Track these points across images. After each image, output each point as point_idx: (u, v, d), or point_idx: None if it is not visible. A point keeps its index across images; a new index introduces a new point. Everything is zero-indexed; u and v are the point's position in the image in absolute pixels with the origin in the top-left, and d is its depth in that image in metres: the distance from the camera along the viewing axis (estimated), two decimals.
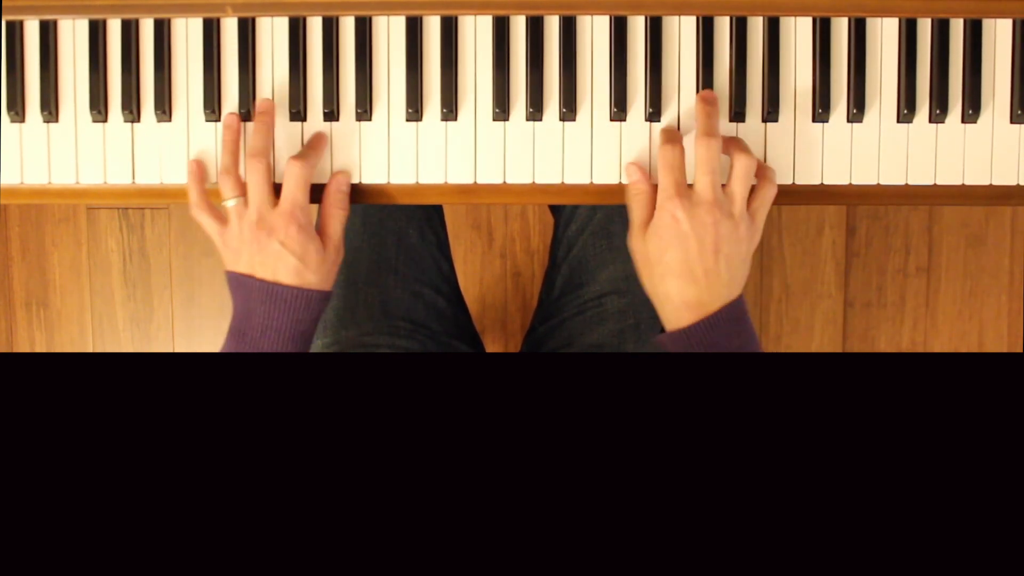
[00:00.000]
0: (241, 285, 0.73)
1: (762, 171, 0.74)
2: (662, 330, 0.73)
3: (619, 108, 0.76)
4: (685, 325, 0.70)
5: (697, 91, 0.76)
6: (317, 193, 0.76)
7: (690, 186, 0.71)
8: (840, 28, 0.76)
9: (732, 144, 0.73)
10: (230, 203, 0.73)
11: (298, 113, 0.76)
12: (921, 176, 0.77)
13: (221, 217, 0.74)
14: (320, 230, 0.74)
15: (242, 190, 0.73)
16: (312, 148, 0.75)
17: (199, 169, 0.76)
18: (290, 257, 0.71)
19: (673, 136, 0.73)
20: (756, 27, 0.76)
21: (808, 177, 0.77)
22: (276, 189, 0.74)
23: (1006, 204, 0.79)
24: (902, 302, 1.52)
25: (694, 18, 0.76)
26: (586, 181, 0.77)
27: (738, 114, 0.76)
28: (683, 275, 0.70)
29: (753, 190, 0.73)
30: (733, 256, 0.70)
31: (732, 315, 0.70)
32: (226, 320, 0.75)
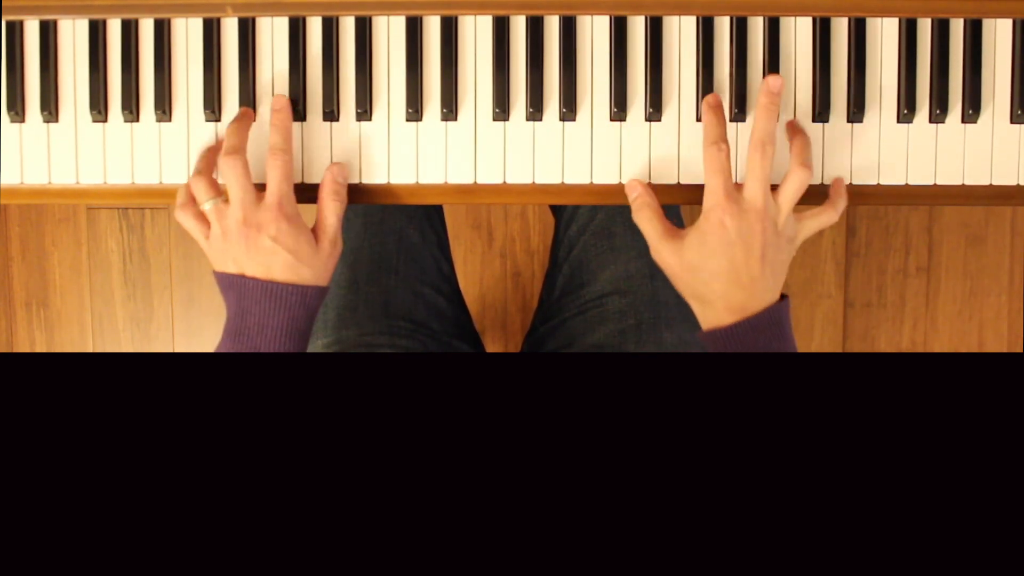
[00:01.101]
0: (233, 285, 0.72)
1: (833, 195, 0.74)
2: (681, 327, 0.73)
3: (619, 108, 0.76)
4: (727, 324, 0.70)
5: (697, 91, 0.76)
6: (308, 193, 0.76)
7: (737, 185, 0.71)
8: (840, 28, 0.76)
9: (796, 150, 0.72)
10: (207, 206, 0.72)
11: (298, 113, 0.76)
12: (921, 176, 0.77)
13: (204, 220, 0.73)
14: (316, 223, 0.74)
15: (217, 191, 0.72)
16: (284, 138, 0.73)
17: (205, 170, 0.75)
18: (283, 252, 0.70)
19: (718, 134, 0.71)
20: (756, 27, 0.76)
21: None
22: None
23: (1006, 204, 0.79)
24: (902, 302, 1.52)
25: (694, 18, 0.76)
26: (586, 181, 0.77)
27: (738, 114, 0.76)
28: (730, 281, 0.69)
29: (815, 212, 0.73)
30: (776, 264, 0.70)
31: (775, 318, 0.70)
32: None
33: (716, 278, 0.70)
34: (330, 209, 0.74)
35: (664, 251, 0.72)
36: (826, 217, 0.74)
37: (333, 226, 0.73)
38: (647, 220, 0.73)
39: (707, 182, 0.71)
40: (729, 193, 0.70)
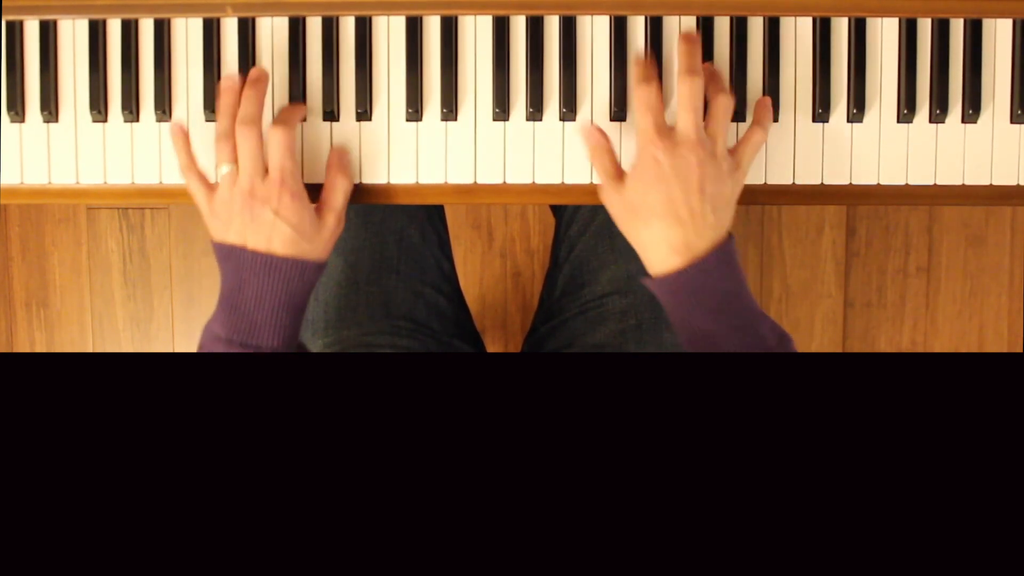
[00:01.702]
0: (231, 256, 0.71)
1: (757, 116, 0.74)
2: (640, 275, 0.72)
3: (619, 108, 0.76)
4: (675, 268, 0.69)
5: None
6: (309, 192, 0.76)
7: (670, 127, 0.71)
8: (840, 28, 0.76)
9: (710, 83, 0.73)
10: (223, 169, 0.71)
11: None
12: (921, 176, 0.77)
13: (210, 184, 0.73)
14: (321, 198, 0.74)
15: (235, 158, 0.71)
16: (290, 114, 0.74)
17: (182, 131, 0.74)
18: (285, 226, 0.70)
19: (648, 74, 0.72)
20: (756, 27, 0.76)
21: (808, 177, 0.77)
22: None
23: (1006, 204, 0.79)
24: (902, 302, 1.52)
25: (694, 18, 0.76)
26: (586, 181, 0.77)
27: (738, 114, 0.76)
28: (668, 216, 0.69)
29: (746, 135, 0.73)
30: (717, 196, 0.69)
31: (722, 258, 0.69)
32: None
33: (655, 215, 0.69)
34: (338, 184, 0.74)
35: (609, 192, 0.72)
36: (757, 137, 0.73)
37: (338, 203, 0.73)
38: (601, 162, 0.73)
39: (638, 121, 0.71)
40: (660, 128, 0.69)
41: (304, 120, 0.76)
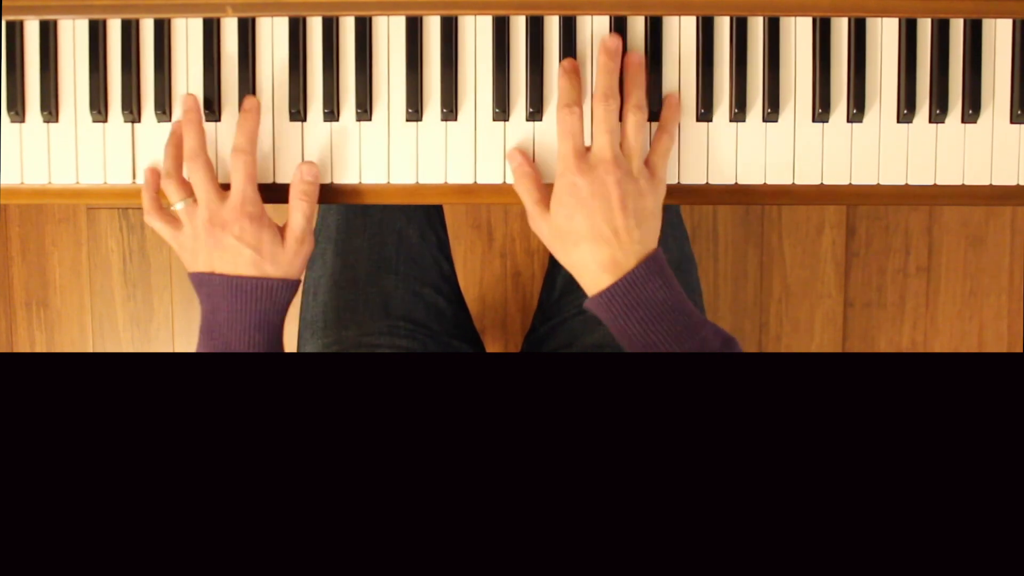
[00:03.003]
0: (204, 283, 0.74)
1: (662, 119, 0.75)
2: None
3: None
4: (606, 287, 0.70)
5: (697, 91, 0.76)
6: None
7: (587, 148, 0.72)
8: (840, 28, 0.76)
9: (626, 98, 0.73)
10: (179, 205, 0.74)
11: (298, 113, 0.76)
12: (921, 176, 0.77)
13: (174, 221, 0.75)
14: (285, 222, 0.75)
15: (188, 191, 0.74)
16: (246, 138, 0.74)
17: (153, 177, 0.76)
18: (246, 249, 0.72)
19: (570, 97, 0.73)
20: (756, 27, 0.76)
21: (808, 177, 0.77)
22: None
23: (1006, 204, 0.79)
24: (902, 302, 1.52)
25: (694, 18, 0.76)
26: None
27: (738, 114, 0.76)
28: (594, 238, 0.70)
29: (653, 143, 0.74)
30: (640, 211, 0.71)
31: (652, 268, 0.70)
32: None
33: (582, 239, 0.70)
34: (296, 208, 0.75)
35: (537, 219, 0.73)
36: (663, 143, 0.74)
37: (300, 225, 0.75)
38: (525, 189, 0.74)
39: (559, 146, 0.72)
40: (578, 153, 0.71)
41: (304, 121, 0.76)
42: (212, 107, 0.76)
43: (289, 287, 0.75)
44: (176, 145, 0.75)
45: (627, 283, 0.70)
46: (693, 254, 0.97)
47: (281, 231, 0.75)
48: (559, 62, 0.76)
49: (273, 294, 0.74)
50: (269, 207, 0.75)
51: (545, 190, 0.74)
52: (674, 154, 0.76)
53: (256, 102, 0.76)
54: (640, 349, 0.70)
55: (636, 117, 0.72)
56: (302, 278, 0.78)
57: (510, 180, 0.77)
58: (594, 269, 0.71)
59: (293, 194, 0.75)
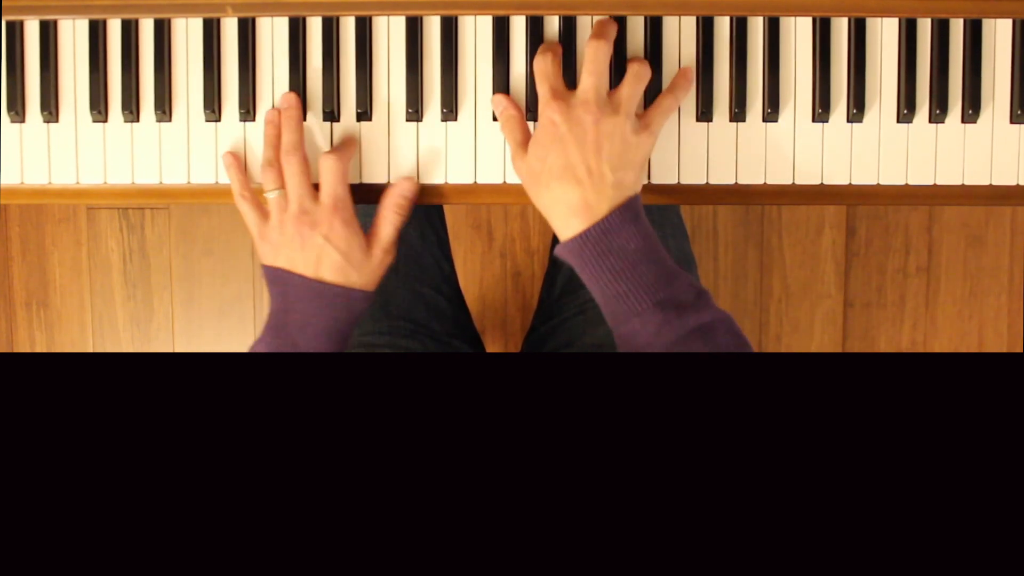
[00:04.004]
0: (280, 280, 0.72)
1: (672, 83, 0.74)
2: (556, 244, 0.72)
3: None
4: (578, 232, 0.68)
5: (697, 91, 0.76)
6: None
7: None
8: (840, 28, 0.76)
9: (632, 59, 0.73)
10: (272, 195, 0.73)
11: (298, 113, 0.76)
12: (921, 176, 0.77)
13: (263, 210, 0.74)
14: (372, 230, 0.74)
15: (282, 182, 0.73)
16: (345, 145, 0.75)
17: (237, 160, 0.76)
18: (334, 252, 0.71)
19: (543, 48, 0.73)
20: (756, 27, 0.76)
21: (808, 177, 0.77)
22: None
23: (1006, 204, 0.79)
24: (902, 302, 1.52)
25: (694, 18, 0.76)
26: None
27: (738, 114, 0.76)
28: (565, 177, 0.68)
29: (656, 99, 0.73)
30: (617, 156, 0.69)
31: (625, 216, 0.68)
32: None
33: (553, 177, 0.69)
34: (388, 220, 0.74)
35: (517, 161, 0.73)
36: (667, 103, 0.73)
37: (389, 236, 0.74)
38: (509, 130, 0.74)
39: (537, 88, 0.72)
40: (555, 92, 0.70)
41: (303, 121, 0.76)
42: (212, 107, 0.76)
43: (367, 298, 0.74)
44: (275, 135, 0.74)
45: (599, 230, 0.68)
46: (693, 254, 0.97)
47: (367, 240, 0.74)
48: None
49: (351, 304, 0.72)
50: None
51: (529, 135, 0.73)
52: (674, 154, 0.76)
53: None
54: (611, 300, 0.68)
55: (637, 66, 0.71)
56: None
57: (510, 180, 0.77)
58: (564, 211, 0.69)
59: (387, 206, 0.74)
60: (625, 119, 0.69)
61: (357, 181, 0.77)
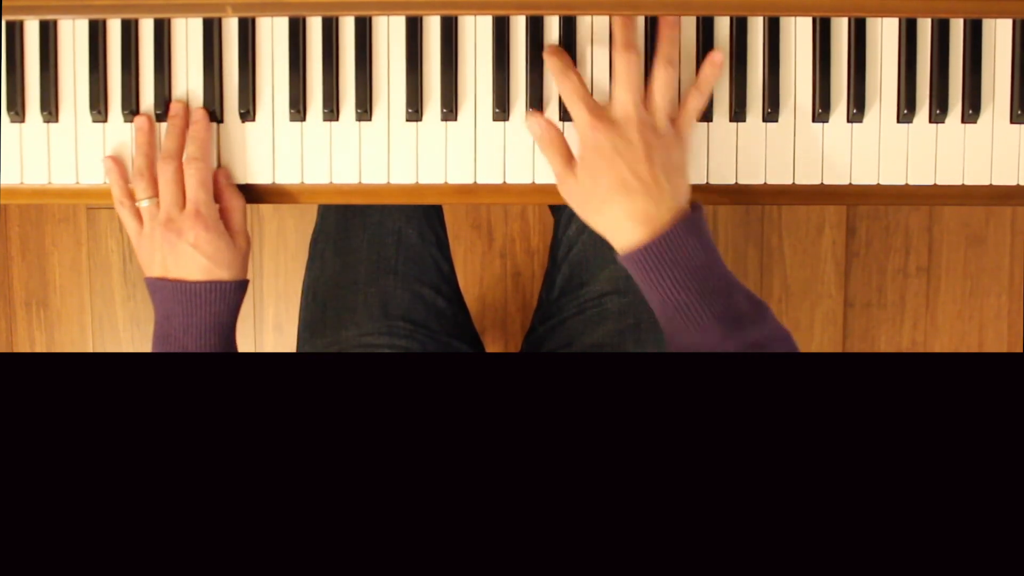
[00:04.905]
0: (158, 289, 0.74)
1: (698, 80, 0.74)
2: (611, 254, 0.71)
3: None
4: (641, 241, 0.68)
5: None
6: (308, 194, 0.76)
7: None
8: (840, 28, 0.76)
9: (657, 51, 0.72)
10: (144, 203, 0.74)
11: (298, 113, 0.76)
12: (921, 176, 0.77)
13: (140, 217, 0.75)
14: (228, 225, 0.75)
15: (155, 191, 0.74)
16: (199, 146, 0.75)
17: (118, 164, 0.76)
18: (200, 258, 0.73)
19: (563, 64, 0.72)
20: (756, 27, 0.76)
21: (808, 177, 0.77)
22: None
23: (1006, 204, 0.79)
24: (902, 302, 1.52)
25: (694, 18, 0.76)
26: None
27: (738, 114, 0.76)
28: (621, 191, 0.68)
29: (682, 101, 0.73)
30: (667, 164, 0.69)
31: (690, 229, 0.68)
32: None
33: (610, 196, 0.69)
34: (236, 210, 0.76)
35: (566, 183, 0.72)
36: (693, 103, 0.73)
37: (241, 224, 0.76)
38: (551, 154, 0.73)
39: (572, 112, 0.71)
40: (594, 111, 0.70)
41: (303, 121, 0.76)
42: (213, 108, 0.76)
43: (240, 287, 0.76)
44: (148, 143, 0.75)
45: (663, 242, 0.68)
46: None
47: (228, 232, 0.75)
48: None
49: (225, 295, 0.74)
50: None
51: (571, 153, 0.73)
52: None
53: (202, 112, 0.76)
54: (671, 311, 0.68)
55: (665, 74, 0.70)
56: (250, 277, 0.78)
57: (510, 180, 0.77)
58: (626, 223, 0.68)
59: (226, 195, 0.75)
60: (665, 129, 0.70)
61: (357, 181, 0.77)
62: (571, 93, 0.71)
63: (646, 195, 0.68)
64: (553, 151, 0.73)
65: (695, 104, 0.73)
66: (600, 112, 0.70)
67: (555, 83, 0.73)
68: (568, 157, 0.72)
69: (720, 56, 0.74)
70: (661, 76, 0.71)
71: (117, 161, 0.76)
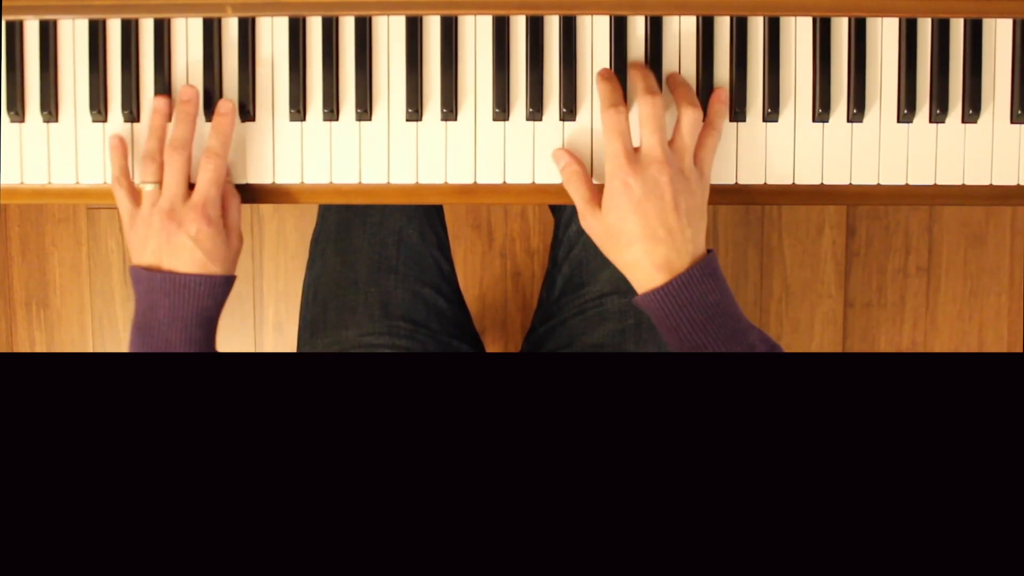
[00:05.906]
0: (145, 279, 0.73)
1: (709, 115, 0.75)
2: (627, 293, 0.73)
3: None
4: (659, 285, 0.70)
5: (697, 91, 0.76)
6: (307, 194, 0.76)
7: (636, 148, 0.71)
8: (840, 28, 0.76)
9: (679, 95, 0.73)
10: (147, 187, 0.74)
11: (298, 113, 0.76)
12: (921, 176, 0.77)
13: (137, 198, 0.75)
14: (226, 222, 0.75)
15: (160, 177, 0.74)
16: (221, 141, 0.75)
17: (122, 144, 0.76)
18: (198, 252, 0.72)
19: (615, 98, 0.72)
20: (756, 27, 0.76)
21: (808, 177, 0.77)
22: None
23: (1006, 204, 0.79)
24: (902, 302, 1.52)
25: (694, 18, 0.76)
26: None
27: (738, 114, 0.76)
28: (648, 239, 0.70)
29: (700, 139, 0.73)
30: (692, 211, 0.71)
31: (706, 271, 0.70)
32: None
33: (635, 239, 0.70)
34: (233, 205, 0.76)
35: (589, 218, 0.73)
36: (711, 140, 0.74)
37: (238, 222, 0.76)
38: (575, 189, 0.74)
39: (607, 146, 0.71)
40: (628, 154, 0.70)
41: (303, 121, 0.76)
42: (212, 107, 0.76)
43: (229, 282, 0.76)
44: (161, 126, 0.75)
45: (680, 283, 0.70)
46: None
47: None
48: (559, 62, 0.76)
49: (215, 290, 0.74)
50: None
51: (595, 188, 0.73)
52: None
53: (231, 105, 0.75)
54: (688, 349, 0.70)
55: (691, 114, 0.71)
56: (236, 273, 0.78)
57: (510, 180, 0.77)
58: (648, 268, 0.70)
59: (228, 195, 0.75)
60: (691, 170, 0.71)
61: (357, 181, 0.77)
62: (613, 128, 0.71)
63: (671, 245, 0.70)
64: (577, 185, 0.73)
65: (712, 142, 0.74)
66: (634, 155, 0.70)
67: (600, 109, 0.73)
68: (592, 191, 0.73)
69: (725, 93, 0.76)
70: (688, 115, 0.71)
71: (122, 139, 0.76)
